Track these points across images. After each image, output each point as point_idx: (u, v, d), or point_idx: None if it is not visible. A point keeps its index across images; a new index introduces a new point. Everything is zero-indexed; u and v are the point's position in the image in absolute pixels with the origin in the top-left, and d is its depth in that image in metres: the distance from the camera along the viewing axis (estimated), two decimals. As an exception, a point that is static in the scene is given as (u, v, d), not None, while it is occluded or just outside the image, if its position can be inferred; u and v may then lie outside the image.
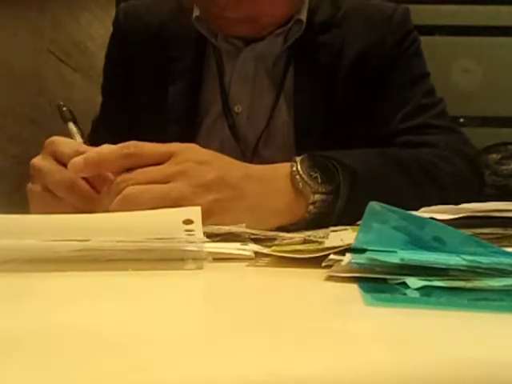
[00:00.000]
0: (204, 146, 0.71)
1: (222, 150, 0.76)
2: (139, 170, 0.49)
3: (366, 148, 0.66)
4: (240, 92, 0.81)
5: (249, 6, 0.70)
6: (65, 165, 0.52)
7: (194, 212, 0.38)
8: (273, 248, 0.42)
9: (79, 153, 0.51)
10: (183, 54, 0.82)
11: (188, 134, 0.79)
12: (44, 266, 0.38)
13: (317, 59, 0.81)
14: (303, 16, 0.78)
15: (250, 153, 0.80)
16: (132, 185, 0.48)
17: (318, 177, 0.54)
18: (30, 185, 0.55)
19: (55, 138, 0.55)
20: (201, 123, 0.81)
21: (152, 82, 0.83)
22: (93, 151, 0.52)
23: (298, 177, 0.54)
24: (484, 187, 0.78)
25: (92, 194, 0.53)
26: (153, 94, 0.83)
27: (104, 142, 0.57)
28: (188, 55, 0.82)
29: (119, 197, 0.48)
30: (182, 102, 0.81)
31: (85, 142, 0.58)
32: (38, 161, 0.54)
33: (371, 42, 0.81)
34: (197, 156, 0.52)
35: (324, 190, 0.54)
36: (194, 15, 0.79)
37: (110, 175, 0.52)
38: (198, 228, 0.39)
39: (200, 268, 0.38)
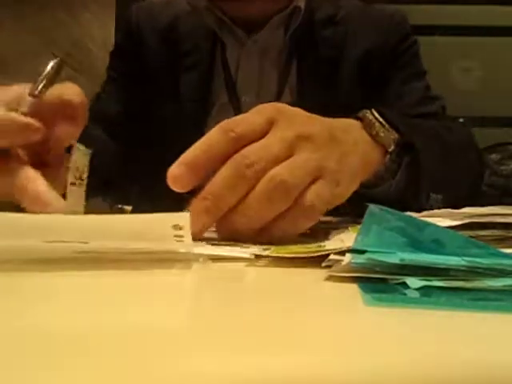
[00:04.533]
0: None
1: None
2: (253, 153, 0.43)
3: None
4: (246, 83, 0.86)
5: None
6: None
7: (183, 217, 0.38)
8: (272, 249, 0.42)
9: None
10: (194, 48, 0.88)
11: (197, 123, 0.84)
12: (40, 266, 0.38)
13: (319, 52, 0.86)
14: (301, 3, 0.84)
15: None
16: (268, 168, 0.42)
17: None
18: None
19: None
20: (210, 112, 0.86)
21: (164, 75, 0.89)
22: (189, 151, 0.44)
23: (377, 124, 0.52)
24: (483, 179, 0.80)
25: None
26: (164, 85, 0.90)
27: (107, 112, 0.66)
28: (199, 49, 0.88)
29: (271, 185, 0.42)
30: (193, 92, 0.86)
31: None
32: None
33: (375, 42, 0.88)
34: (296, 128, 0.45)
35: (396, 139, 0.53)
36: (204, 4, 0.83)
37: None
38: (186, 234, 0.38)
39: (189, 268, 0.38)
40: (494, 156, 1.57)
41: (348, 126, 0.51)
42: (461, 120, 1.91)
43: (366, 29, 0.87)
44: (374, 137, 0.52)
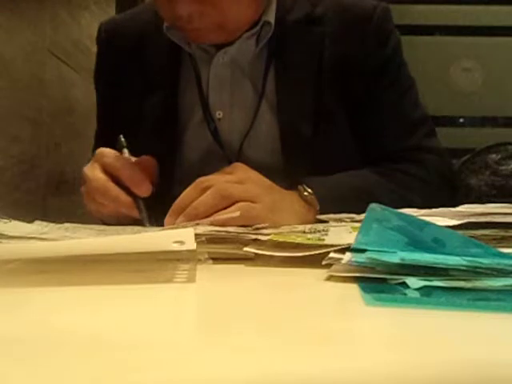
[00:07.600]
0: (190, 153, 0.80)
1: (207, 155, 0.77)
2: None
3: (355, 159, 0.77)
4: (219, 98, 0.80)
5: (213, 14, 0.70)
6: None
7: (187, 233, 0.37)
8: (272, 235, 0.42)
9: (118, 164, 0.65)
10: (160, 63, 0.83)
11: (169, 140, 0.80)
12: (43, 281, 0.38)
13: (296, 58, 0.79)
14: (271, 17, 0.78)
15: (235, 156, 0.79)
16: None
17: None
18: (82, 188, 0.67)
19: (103, 150, 0.67)
20: (183, 130, 0.81)
21: (133, 93, 0.84)
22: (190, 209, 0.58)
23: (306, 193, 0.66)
24: (455, 199, 0.81)
25: (122, 198, 0.63)
26: (134, 104, 0.83)
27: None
28: (164, 65, 0.82)
29: (240, 214, 0.55)
30: (161, 110, 0.81)
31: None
32: (85, 168, 0.66)
33: (352, 44, 0.79)
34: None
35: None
36: (165, 25, 0.77)
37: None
38: (189, 240, 0.38)
39: (194, 270, 0.38)
40: (493, 156, 1.57)
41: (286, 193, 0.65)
42: (461, 120, 1.91)
43: (342, 29, 0.79)
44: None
